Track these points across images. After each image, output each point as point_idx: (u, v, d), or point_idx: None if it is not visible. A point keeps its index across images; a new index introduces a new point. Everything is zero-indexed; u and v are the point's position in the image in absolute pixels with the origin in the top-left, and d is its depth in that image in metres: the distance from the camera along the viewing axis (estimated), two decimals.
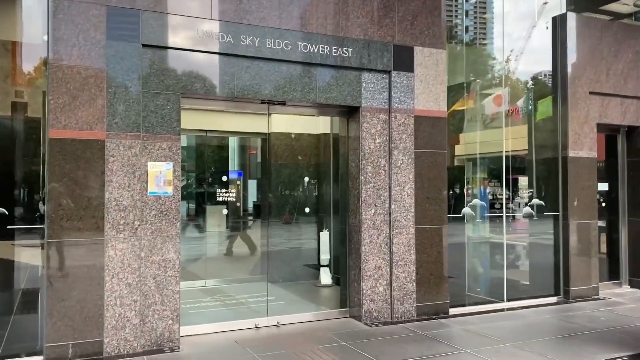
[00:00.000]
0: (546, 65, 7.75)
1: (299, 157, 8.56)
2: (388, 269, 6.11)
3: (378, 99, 6.14)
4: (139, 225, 4.98)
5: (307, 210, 8.22)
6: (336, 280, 7.63)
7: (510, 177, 7.35)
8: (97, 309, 4.79)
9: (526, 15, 7.70)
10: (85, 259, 4.77)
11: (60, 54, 4.71)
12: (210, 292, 7.39)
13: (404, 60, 6.22)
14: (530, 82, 7.95)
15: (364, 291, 5.99)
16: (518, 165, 7.67)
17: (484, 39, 8.37)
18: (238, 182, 9.44)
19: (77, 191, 4.75)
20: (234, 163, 9.74)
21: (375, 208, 6.08)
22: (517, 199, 7.64)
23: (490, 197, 7.45)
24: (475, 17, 8.44)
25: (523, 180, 7.69)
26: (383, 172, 6.13)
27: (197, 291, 7.42)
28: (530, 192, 7.60)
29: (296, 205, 8.44)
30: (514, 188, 7.53)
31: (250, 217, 9.61)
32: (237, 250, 9.32)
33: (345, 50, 5.91)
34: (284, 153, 8.49)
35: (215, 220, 8.33)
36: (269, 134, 8.01)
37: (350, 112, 6.26)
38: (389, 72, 6.16)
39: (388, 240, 6.12)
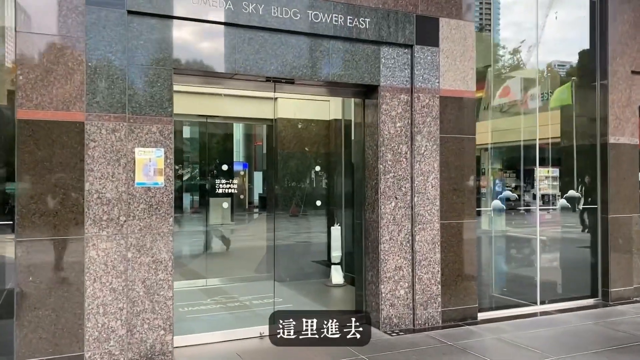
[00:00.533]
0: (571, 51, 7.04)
1: (308, 145, 7.86)
2: (410, 270, 5.41)
3: (399, 77, 5.41)
4: (125, 221, 4.30)
5: (318, 203, 7.54)
6: (349, 280, 6.96)
7: (536, 167, 6.60)
8: (77, 319, 4.12)
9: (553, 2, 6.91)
10: (62, 261, 4.10)
11: (29, 19, 4.01)
12: (211, 292, 6.73)
13: (428, 33, 5.48)
14: (560, 68, 7.21)
15: (383, 295, 5.30)
16: (549, 154, 6.94)
17: (489, 24, 7.55)
18: (242, 173, 8.79)
19: (52, 182, 4.07)
20: (238, 154, 9.08)
21: (395, 201, 5.37)
22: (531, 191, 6.91)
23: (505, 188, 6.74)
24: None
25: (553, 172, 6.95)
26: (404, 160, 5.42)
27: (197, 292, 6.76)
28: (550, 183, 6.84)
29: (304, 197, 7.76)
30: (548, 179, 6.80)
31: (256, 210, 8.99)
32: (239, 246, 8.68)
33: (362, 20, 5.17)
34: (292, 141, 7.79)
35: (218, 213, 7.66)
36: (276, 119, 7.34)
37: (367, 93, 5.53)
38: (411, 46, 5.43)
39: (410, 237, 5.42)
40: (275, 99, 6.03)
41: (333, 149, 7.77)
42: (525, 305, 6.26)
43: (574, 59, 7.18)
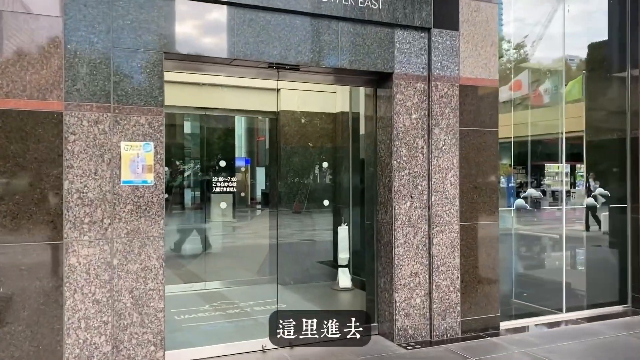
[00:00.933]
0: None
1: (314, 140, 7.38)
2: (427, 276, 4.93)
3: (415, 64, 4.90)
4: (109, 224, 3.82)
5: (325, 203, 7.07)
6: (356, 283, 6.50)
7: (562, 162, 6.11)
8: (55, 335, 3.65)
9: None
10: (37, 269, 3.63)
11: None
12: (209, 297, 6.26)
13: (446, 16, 4.97)
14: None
15: (397, 303, 4.82)
16: (563, 150, 6.45)
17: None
18: (244, 169, 8.34)
19: (26, 180, 3.60)
20: (240, 149, 8.63)
21: (411, 200, 4.87)
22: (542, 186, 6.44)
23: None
24: None
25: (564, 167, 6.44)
26: (420, 155, 4.92)
27: (194, 297, 6.29)
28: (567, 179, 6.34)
29: (307, 194, 7.28)
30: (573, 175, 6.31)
31: (258, 206, 8.57)
32: (240, 245, 8.24)
33: (375, 0, 4.67)
34: (296, 135, 7.31)
35: (218, 210, 7.19)
36: (279, 112, 6.86)
37: (379, 81, 5.03)
38: (429, 30, 4.92)
39: (427, 241, 4.93)
40: (279, 90, 5.56)
41: (340, 143, 7.29)
42: (550, 313, 5.77)
43: (584, 53, 6.70)
